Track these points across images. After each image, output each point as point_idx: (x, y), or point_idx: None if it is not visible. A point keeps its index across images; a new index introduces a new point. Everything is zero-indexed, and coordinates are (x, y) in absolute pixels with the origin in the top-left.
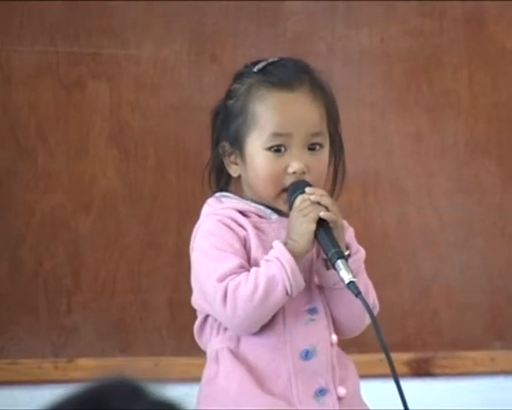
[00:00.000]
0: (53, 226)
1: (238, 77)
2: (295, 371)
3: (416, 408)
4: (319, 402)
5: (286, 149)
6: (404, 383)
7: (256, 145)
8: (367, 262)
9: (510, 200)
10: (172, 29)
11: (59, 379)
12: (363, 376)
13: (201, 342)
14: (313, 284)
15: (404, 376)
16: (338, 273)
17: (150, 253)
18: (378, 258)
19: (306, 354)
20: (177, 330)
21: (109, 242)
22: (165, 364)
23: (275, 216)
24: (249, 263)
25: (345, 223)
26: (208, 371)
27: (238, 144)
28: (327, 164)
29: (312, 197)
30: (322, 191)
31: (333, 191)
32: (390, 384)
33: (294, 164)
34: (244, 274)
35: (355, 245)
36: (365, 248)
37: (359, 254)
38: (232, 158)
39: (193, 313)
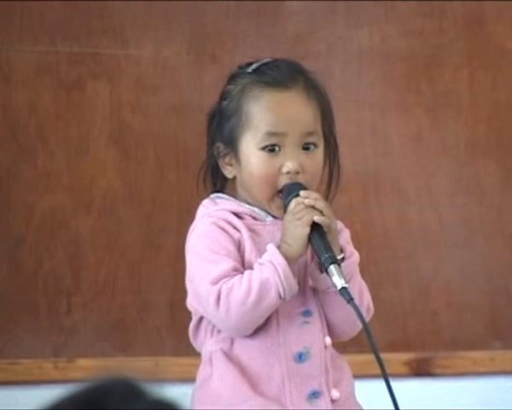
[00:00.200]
0: (53, 226)
1: (232, 78)
2: (289, 373)
3: (416, 408)
4: (312, 405)
5: (280, 149)
6: (404, 383)
7: (250, 145)
8: (367, 262)
9: (510, 200)
10: (172, 29)
11: (59, 379)
12: (363, 376)
13: (196, 343)
14: (307, 287)
15: (404, 376)
16: (330, 279)
17: (150, 253)
18: (378, 258)
19: (300, 357)
20: (177, 330)
21: (109, 242)
22: (165, 364)
23: (269, 218)
24: (243, 265)
25: (340, 224)
26: (202, 373)
27: (232, 145)
28: (321, 164)
29: (306, 201)
30: (316, 195)
31: (328, 192)
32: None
33: (289, 164)
34: (237, 277)
35: (349, 248)
36: (365, 248)
37: (353, 257)
38: (227, 159)
39: None
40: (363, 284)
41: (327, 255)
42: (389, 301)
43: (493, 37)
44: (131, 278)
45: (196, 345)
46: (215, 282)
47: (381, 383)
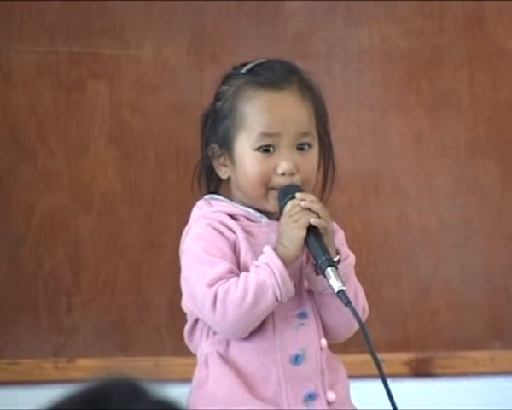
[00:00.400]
0: (53, 226)
1: (226, 79)
2: (285, 375)
3: (416, 408)
4: (308, 407)
5: (275, 149)
6: (404, 383)
7: (245, 146)
8: (367, 262)
9: (510, 200)
10: (172, 29)
11: (59, 379)
12: (364, 376)
13: (192, 345)
14: (303, 289)
15: (404, 376)
16: (328, 281)
17: (150, 253)
18: (378, 258)
19: (296, 359)
20: (177, 330)
21: (109, 242)
22: (165, 364)
23: (264, 219)
24: (238, 267)
25: (335, 225)
26: (198, 375)
27: (227, 146)
28: (316, 164)
29: (303, 203)
30: (312, 197)
31: (323, 192)
32: (390, 384)
33: (283, 164)
34: (234, 279)
35: (344, 250)
36: (365, 248)
37: (349, 259)
38: (221, 160)
39: None
40: (358, 285)
41: (324, 258)
42: (389, 301)
43: (493, 37)
44: (131, 278)
45: (191, 346)
46: (211, 284)
47: (381, 383)
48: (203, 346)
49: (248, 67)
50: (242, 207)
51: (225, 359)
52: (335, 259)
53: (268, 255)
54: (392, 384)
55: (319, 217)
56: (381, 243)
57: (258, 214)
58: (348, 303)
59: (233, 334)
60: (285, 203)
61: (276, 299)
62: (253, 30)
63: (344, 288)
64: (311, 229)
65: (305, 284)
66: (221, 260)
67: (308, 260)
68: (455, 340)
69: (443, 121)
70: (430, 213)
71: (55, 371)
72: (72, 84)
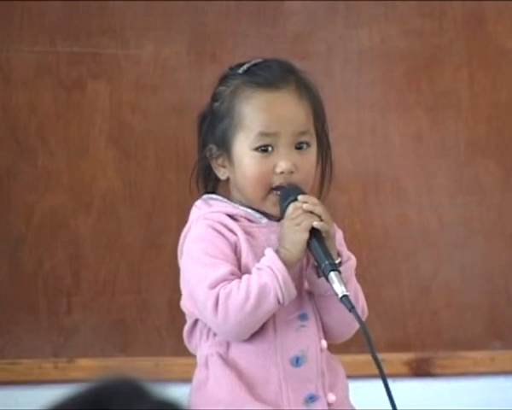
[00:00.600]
0: (53, 226)
1: (223, 79)
2: (286, 377)
3: (416, 408)
4: (309, 408)
5: (273, 149)
6: (404, 383)
7: (243, 146)
8: (367, 262)
9: (510, 200)
10: (172, 29)
11: (59, 379)
12: (363, 376)
13: (191, 346)
14: (303, 291)
15: (404, 376)
16: (331, 286)
17: (150, 253)
18: (378, 258)
19: (297, 361)
20: (177, 330)
21: (109, 242)
22: (165, 364)
23: (264, 220)
24: (239, 269)
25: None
26: (198, 376)
27: (225, 146)
28: (314, 163)
29: (305, 206)
30: (314, 200)
31: (321, 191)
32: (390, 384)
33: (282, 164)
34: (235, 282)
35: (345, 252)
36: (365, 249)
37: (350, 261)
38: (220, 161)
39: None
40: (358, 286)
41: (327, 262)
42: (389, 301)
43: (493, 37)
44: (131, 278)
45: (191, 347)
46: (213, 286)
47: (381, 384)
48: (203, 347)
49: (245, 67)
50: (242, 208)
51: (226, 360)
52: (337, 261)
53: (270, 258)
54: (392, 384)
55: (321, 220)
56: (381, 243)
57: (257, 215)
58: (352, 309)
59: (234, 336)
60: (287, 205)
61: (278, 302)
62: (253, 30)
63: (348, 293)
64: (314, 232)
65: (306, 285)
66: (222, 262)
67: (309, 262)
68: (455, 340)
69: (443, 121)
70: (430, 213)
71: (55, 371)
72: (72, 84)
